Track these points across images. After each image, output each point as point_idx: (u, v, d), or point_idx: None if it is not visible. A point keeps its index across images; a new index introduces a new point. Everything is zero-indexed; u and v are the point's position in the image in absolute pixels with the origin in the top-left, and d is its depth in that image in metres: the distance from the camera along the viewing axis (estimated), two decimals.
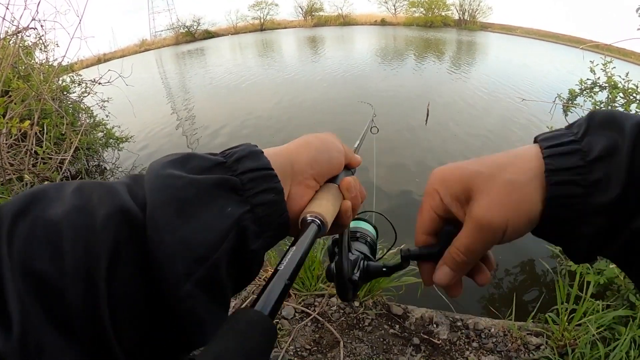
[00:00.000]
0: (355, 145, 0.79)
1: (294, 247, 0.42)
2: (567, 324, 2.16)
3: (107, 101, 5.97)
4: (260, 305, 0.34)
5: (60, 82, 5.26)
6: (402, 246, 0.60)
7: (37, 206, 0.35)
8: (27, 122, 2.53)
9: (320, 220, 0.47)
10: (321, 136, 0.55)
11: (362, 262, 0.68)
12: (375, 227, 0.80)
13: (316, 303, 2.30)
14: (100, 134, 6.01)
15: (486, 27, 40.85)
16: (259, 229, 0.43)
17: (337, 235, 0.66)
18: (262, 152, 0.47)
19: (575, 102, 4.41)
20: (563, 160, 0.41)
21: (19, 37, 3.70)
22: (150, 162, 0.43)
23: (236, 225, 0.40)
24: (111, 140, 6.14)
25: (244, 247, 0.41)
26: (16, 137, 3.55)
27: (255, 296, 0.39)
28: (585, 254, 0.43)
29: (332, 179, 0.55)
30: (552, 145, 0.42)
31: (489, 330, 2.23)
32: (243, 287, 0.48)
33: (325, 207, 0.50)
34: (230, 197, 0.42)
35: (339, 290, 0.66)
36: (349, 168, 0.59)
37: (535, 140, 0.46)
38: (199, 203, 0.39)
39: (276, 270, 0.38)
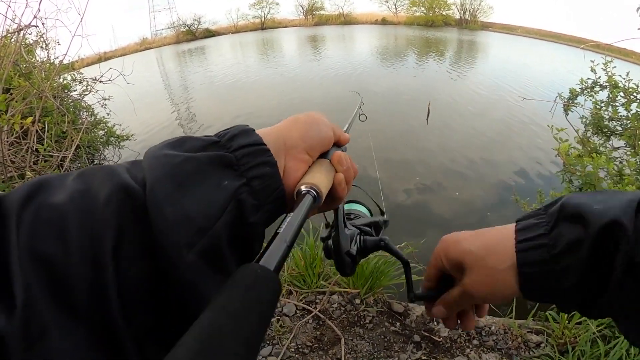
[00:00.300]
0: (345, 128, 0.79)
1: (291, 214, 0.44)
2: (567, 322, 2.17)
3: (108, 99, 5.96)
4: (264, 261, 0.35)
5: (61, 80, 5.26)
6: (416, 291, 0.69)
7: (42, 193, 0.36)
8: (30, 119, 2.53)
9: (315, 190, 0.49)
10: (308, 113, 0.57)
11: (359, 236, 0.72)
12: (369, 209, 0.84)
13: (317, 300, 2.30)
14: (101, 132, 6.02)
15: (487, 26, 40.83)
16: (256, 202, 0.44)
17: (329, 221, 0.73)
18: (254, 130, 0.49)
19: (576, 101, 4.41)
20: (531, 255, 0.50)
21: (21, 34, 3.71)
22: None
23: (234, 198, 0.41)
24: (112, 138, 6.16)
25: (243, 220, 0.42)
26: (17, 134, 3.55)
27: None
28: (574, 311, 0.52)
29: (324, 155, 0.57)
30: (524, 240, 0.51)
31: (490, 328, 2.24)
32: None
33: (318, 178, 0.51)
34: (226, 172, 0.43)
35: (338, 265, 0.69)
36: (339, 145, 0.61)
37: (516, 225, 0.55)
38: (197, 178, 0.40)
39: (276, 233, 0.40)
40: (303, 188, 0.49)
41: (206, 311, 0.29)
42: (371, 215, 0.84)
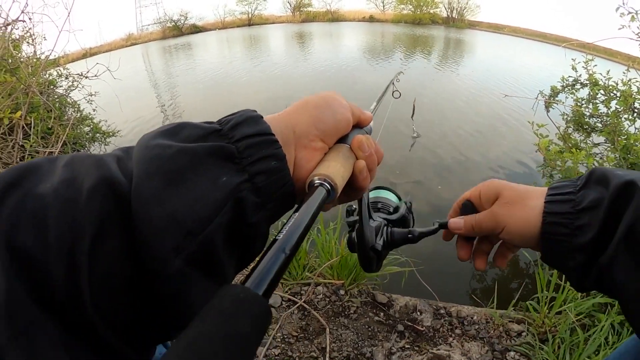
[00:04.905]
0: (372, 107, 0.74)
1: (297, 214, 0.39)
2: (547, 311, 2.23)
3: (94, 95, 5.92)
4: (252, 282, 0.30)
5: (47, 75, 5.21)
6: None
7: (30, 179, 0.34)
8: (19, 113, 2.51)
9: (329, 183, 0.44)
10: (321, 94, 0.51)
11: (385, 228, 0.66)
12: (398, 195, 0.77)
13: (302, 292, 2.34)
14: (87, 128, 5.98)
15: (474, 25, 40.99)
16: (259, 200, 0.40)
17: (352, 204, 0.69)
18: (262, 117, 0.45)
19: (557, 98, 4.49)
20: (558, 207, 0.55)
21: (8, 30, 3.68)
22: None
23: (232, 197, 0.37)
24: (98, 134, 6.11)
25: (242, 220, 0.39)
26: (3, 130, 3.53)
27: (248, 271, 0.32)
28: (576, 284, 0.56)
29: (342, 139, 0.52)
30: (554, 194, 0.56)
31: (472, 318, 2.30)
32: (248, 264, 0.44)
33: (334, 168, 0.46)
34: (225, 166, 0.39)
35: (363, 261, 0.63)
36: (360, 127, 0.56)
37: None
38: (190, 173, 0.36)
39: (274, 241, 0.35)
40: (316, 180, 0.44)
41: (172, 346, 0.25)
42: (400, 201, 0.76)
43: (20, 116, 2.52)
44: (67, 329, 0.31)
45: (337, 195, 0.45)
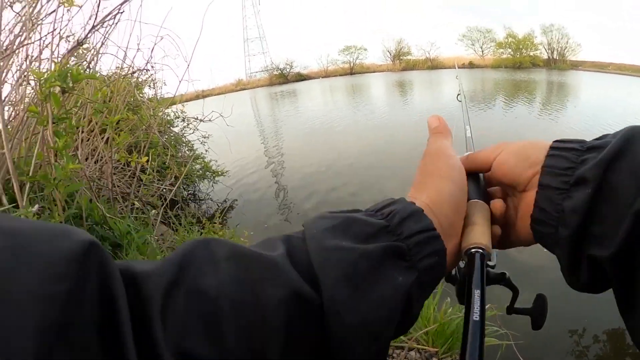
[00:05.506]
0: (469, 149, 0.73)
1: (477, 290, 0.40)
2: None
3: (208, 137, 6.34)
4: (470, 356, 0.33)
5: (165, 115, 5.67)
6: None
7: (189, 274, 0.32)
8: (145, 158, 2.77)
9: (482, 249, 0.45)
10: (439, 165, 0.51)
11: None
12: None
13: (394, 354, 2.24)
14: (197, 166, 6.34)
15: (576, 65, 38.51)
16: (421, 294, 0.41)
17: None
18: (423, 211, 0.44)
19: None
20: (561, 153, 0.46)
21: (134, 76, 4.07)
22: (304, 222, 0.42)
23: (406, 296, 0.38)
24: (207, 173, 6.46)
25: (407, 315, 0.40)
26: (122, 162, 3.84)
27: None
28: (567, 267, 0.45)
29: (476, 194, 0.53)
30: (560, 141, 0.48)
31: None
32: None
33: (486, 235, 0.47)
34: (399, 265, 0.39)
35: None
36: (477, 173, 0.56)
37: None
38: (372, 277, 0.37)
39: (467, 321, 0.37)
40: (472, 250, 0.45)
41: None
42: None
43: (147, 161, 2.74)
44: None
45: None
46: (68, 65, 2.33)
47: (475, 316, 0.37)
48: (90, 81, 2.89)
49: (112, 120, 2.69)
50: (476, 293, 0.40)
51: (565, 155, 0.45)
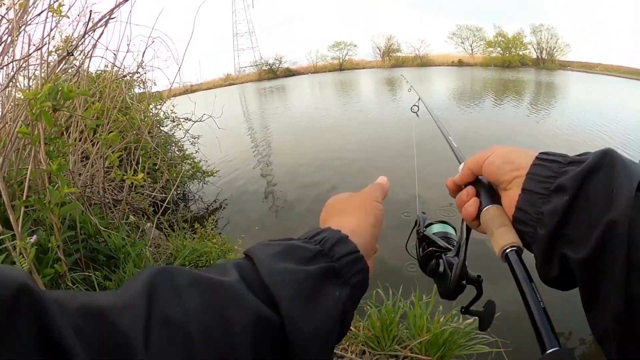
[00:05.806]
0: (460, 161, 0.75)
1: (526, 285, 0.47)
2: None
3: (198, 138, 6.26)
4: (547, 343, 0.40)
5: (154, 116, 5.58)
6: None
7: (158, 304, 0.34)
8: (141, 175, 2.73)
9: (517, 247, 0.51)
10: (363, 206, 0.59)
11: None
12: (455, 229, 0.79)
13: None
14: (187, 167, 6.27)
15: (565, 65, 39.12)
16: (352, 305, 0.46)
17: (421, 230, 0.78)
18: (349, 237, 0.50)
19: None
20: (545, 164, 0.52)
21: (125, 79, 3.99)
22: (247, 250, 0.47)
23: (343, 307, 0.44)
24: (197, 173, 6.40)
25: (344, 326, 0.45)
26: (111, 165, 3.77)
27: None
28: (541, 262, 0.51)
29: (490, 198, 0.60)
30: (545, 153, 0.54)
31: None
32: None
33: (514, 233, 0.53)
34: (335, 282, 0.45)
35: (448, 290, 0.66)
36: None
37: None
38: (317, 293, 0.42)
39: (530, 312, 0.44)
40: (508, 250, 0.51)
41: None
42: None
43: (142, 178, 2.69)
44: None
45: None
46: (57, 72, 2.28)
47: (542, 304, 0.43)
48: (80, 85, 2.83)
49: (102, 122, 2.64)
50: (532, 286, 0.46)
51: (548, 165, 0.51)
